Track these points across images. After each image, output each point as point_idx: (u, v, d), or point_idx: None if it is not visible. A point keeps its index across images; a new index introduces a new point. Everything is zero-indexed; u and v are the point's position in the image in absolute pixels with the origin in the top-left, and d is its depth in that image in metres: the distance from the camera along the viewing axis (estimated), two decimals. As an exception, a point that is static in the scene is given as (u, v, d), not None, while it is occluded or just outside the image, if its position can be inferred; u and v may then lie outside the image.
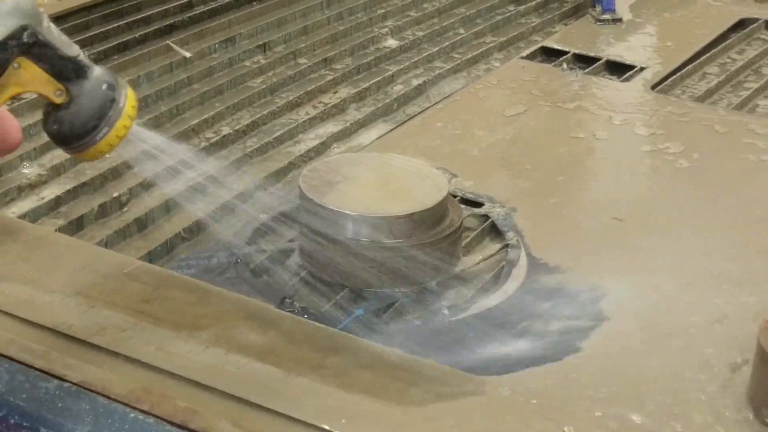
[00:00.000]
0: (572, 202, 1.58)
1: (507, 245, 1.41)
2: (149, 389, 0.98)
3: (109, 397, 0.89)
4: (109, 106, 0.98)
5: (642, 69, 2.13)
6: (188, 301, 1.16)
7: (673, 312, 1.30)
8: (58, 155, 1.65)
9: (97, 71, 0.99)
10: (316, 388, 1.01)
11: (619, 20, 2.39)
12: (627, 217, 1.52)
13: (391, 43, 2.20)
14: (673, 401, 1.13)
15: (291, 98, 1.91)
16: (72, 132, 0.98)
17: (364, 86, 1.98)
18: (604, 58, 2.17)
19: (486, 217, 1.49)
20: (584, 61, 2.18)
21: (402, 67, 2.08)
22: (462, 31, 2.32)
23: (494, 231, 1.47)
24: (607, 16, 2.39)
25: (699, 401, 1.13)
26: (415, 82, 2.03)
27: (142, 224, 1.43)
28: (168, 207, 1.48)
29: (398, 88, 2.01)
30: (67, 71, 0.97)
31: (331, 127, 1.83)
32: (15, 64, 0.92)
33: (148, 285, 1.18)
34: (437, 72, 2.09)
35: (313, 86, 1.96)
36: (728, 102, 2.03)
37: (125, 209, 1.48)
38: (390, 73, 2.05)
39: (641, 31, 2.36)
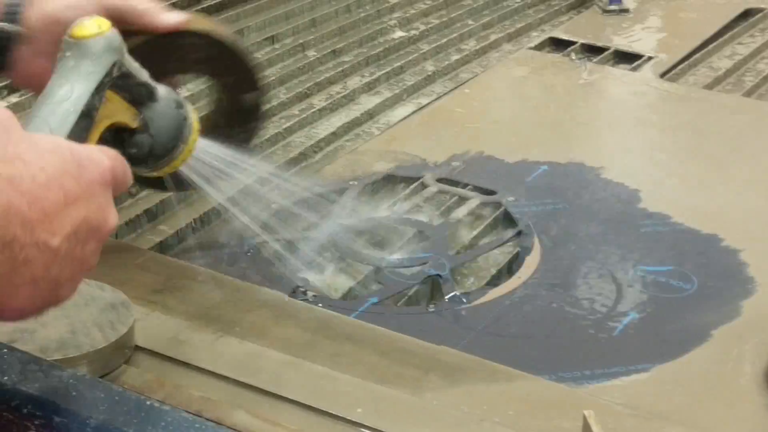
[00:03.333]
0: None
1: (520, 232, 1.40)
2: (162, 380, 0.98)
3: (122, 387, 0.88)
4: (183, 124, 1.02)
5: (650, 58, 2.12)
6: (200, 291, 1.16)
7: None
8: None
9: (162, 91, 1.01)
10: (331, 376, 1.01)
11: (626, 11, 2.38)
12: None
13: (400, 34, 2.19)
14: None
15: (300, 90, 1.90)
16: (152, 154, 1.01)
17: (373, 77, 1.97)
18: (613, 48, 2.17)
19: (499, 204, 1.48)
20: (592, 51, 2.17)
21: (411, 58, 2.07)
22: (470, 22, 2.30)
23: (507, 219, 1.46)
24: (614, 7, 2.38)
25: None
26: (424, 73, 2.02)
27: (152, 215, 1.42)
28: (178, 198, 1.47)
29: (408, 79, 2.00)
30: (141, 96, 0.98)
31: (342, 118, 1.82)
32: (104, 99, 0.92)
33: (159, 275, 1.17)
34: (446, 63, 2.08)
35: (323, 78, 1.95)
36: (739, 89, 2.03)
37: (135, 200, 1.47)
38: (400, 64, 2.04)
39: (648, 21, 2.35)
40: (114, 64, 0.92)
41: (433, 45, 2.15)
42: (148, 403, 0.80)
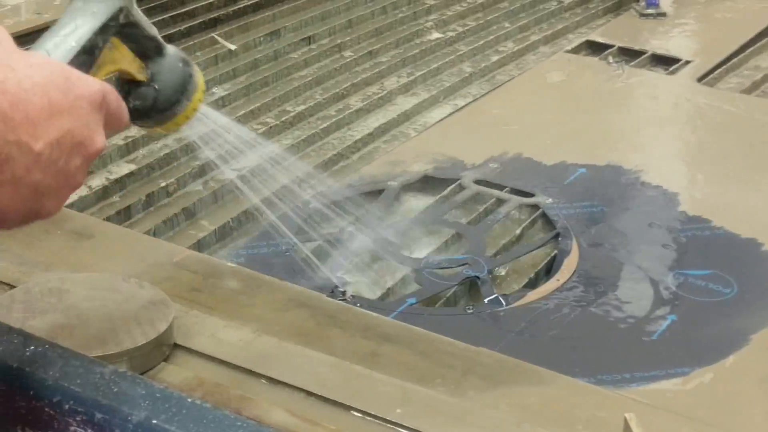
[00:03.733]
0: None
1: (558, 234, 1.39)
2: (202, 378, 0.98)
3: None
4: (189, 81, 1.02)
5: (687, 62, 2.11)
6: (239, 290, 1.16)
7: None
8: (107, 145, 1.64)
9: (170, 48, 1.02)
10: (370, 376, 1.00)
11: (663, 14, 2.37)
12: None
13: (436, 36, 2.19)
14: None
15: (337, 90, 1.90)
16: (155, 107, 1.01)
17: (410, 78, 1.97)
18: (650, 52, 2.15)
19: (536, 206, 1.47)
20: (629, 54, 2.16)
21: (448, 60, 2.07)
22: (507, 24, 2.30)
23: (545, 221, 1.45)
24: (651, 11, 2.37)
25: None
26: (461, 75, 2.02)
27: (189, 213, 1.43)
28: (216, 196, 1.48)
29: (445, 80, 2.00)
30: (149, 50, 0.99)
31: (379, 118, 1.82)
32: (109, 44, 0.94)
33: (198, 274, 1.17)
34: (483, 65, 2.07)
35: (359, 78, 1.95)
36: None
37: (173, 198, 1.48)
38: (436, 65, 2.03)
39: (685, 25, 2.34)
40: (120, 10, 0.94)
41: (470, 47, 2.15)
42: (189, 400, 0.80)
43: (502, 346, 1.14)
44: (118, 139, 1.68)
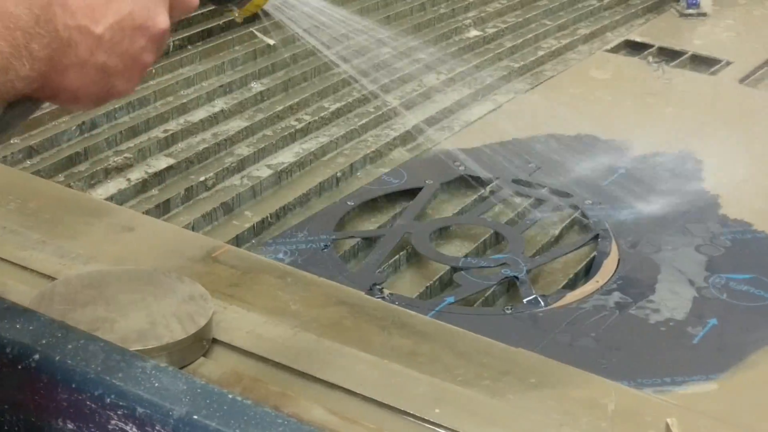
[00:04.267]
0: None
1: (597, 236, 1.38)
2: (241, 373, 0.98)
3: (201, 381, 0.88)
4: None
5: (729, 63, 2.09)
6: (277, 286, 1.16)
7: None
8: (145, 139, 1.65)
9: None
10: (409, 375, 1.00)
11: (704, 14, 2.35)
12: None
13: (475, 33, 2.18)
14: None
15: (375, 86, 1.89)
16: None
17: (449, 75, 1.96)
18: (690, 52, 2.14)
19: (575, 207, 1.46)
20: (669, 55, 2.14)
21: (487, 57, 2.06)
22: (546, 22, 2.29)
23: (584, 222, 1.44)
24: (691, 11, 2.35)
25: None
26: (500, 72, 2.01)
27: (228, 208, 1.43)
28: (254, 191, 1.48)
29: (484, 77, 1.99)
30: None
31: (418, 115, 1.82)
32: None
33: (236, 269, 1.17)
34: (522, 63, 2.06)
35: (398, 75, 1.94)
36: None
37: (212, 192, 1.48)
38: (475, 63, 2.03)
39: (726, 26, 2.31)
40: None
41: (509, 45, 2.14)
42: (230, 396, 0.80)
43: (541, 347, 1.13)
44: (158, 132, 1.68)
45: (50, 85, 0.79)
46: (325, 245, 1.34)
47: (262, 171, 1.55)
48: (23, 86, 0.77)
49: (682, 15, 2.35)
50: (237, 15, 1.05)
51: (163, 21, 0.84)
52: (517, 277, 1.26)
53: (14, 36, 0.75)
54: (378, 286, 1.23)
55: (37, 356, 0.83)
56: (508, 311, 1.23)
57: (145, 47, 0.83)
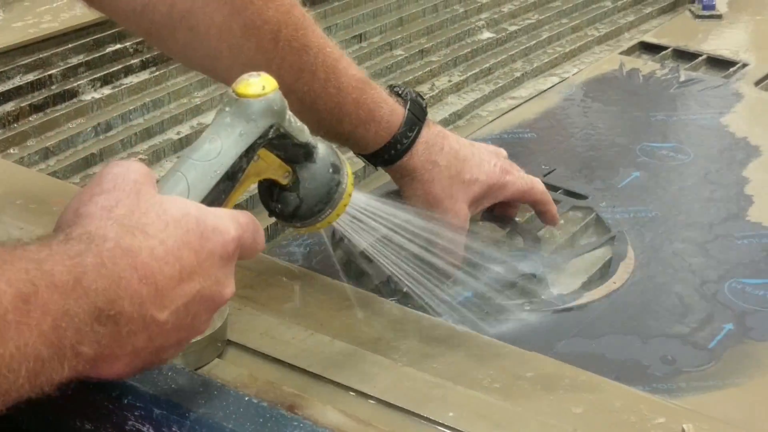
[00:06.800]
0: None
1: (612, 238, 1.38)
2: (255, 375, 0.98)
3: (216, 382, 0.88)
4: (335, 190, 0.99)
5: (744, 65, 2.08)
6: (292, 288, 1.16)
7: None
8: (159, 141, 1.66)
9: (321, 151, 0.98)
10: (422, 378, 1.00)
11: (719, 16, 2.34)
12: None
13: (488, 35, 2.18)
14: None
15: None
16: (296, 214, 0.99)
17: (462, 78, 1.96)
18: (705, 55, 2.13)
19: (590, 209, 1.46)
20: (684, 57, 2.14)
21: (500, 59, 2.06)
22: (561, 22, 2.28)
23: (599, 225, 1.44)
24: (707, 13, 2.34)
25: None
26: (513, 75, 2.01)
27: (242, 209, 1.42)
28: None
29: (497, 80, 1.99)
30: (298, 156, 0.95)
31: (431, 117, 1.81)
32: (255, 157, 0.90)
33: (250, 271, 1.18)
34: (535, 65, 2.06)
35: (410, 77, 1.94)
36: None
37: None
38: (488, 65, 2.02)
39: (742, 28, 2.31)
40: (271, 126, 0.89)
41: (522, 47, 2.13)
42: (246, 398, 0.80)
43: (556, 349, 1.13)
44: (172, 134, 1.69)
45: (87, 375, 0.72)
46: (339, 240, 1.33)
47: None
48: (51, 389, 0.69)
49: (698, 17, 2.35)
50: (303, 231, 1.04)
51: (230, 290, 0.79)
52: (534, 276, 1.26)
53: (62, 337, 0.67)
54: (392, 284, 1.22)
55: (54, 357, 0.83)
56: (526, 309, 1.22)
57: (206, 320, 0.79)
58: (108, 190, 0.75)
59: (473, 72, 1.98)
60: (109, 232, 0.72)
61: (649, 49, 2.18)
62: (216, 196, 0.85)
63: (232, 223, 0.80)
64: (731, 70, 2.06)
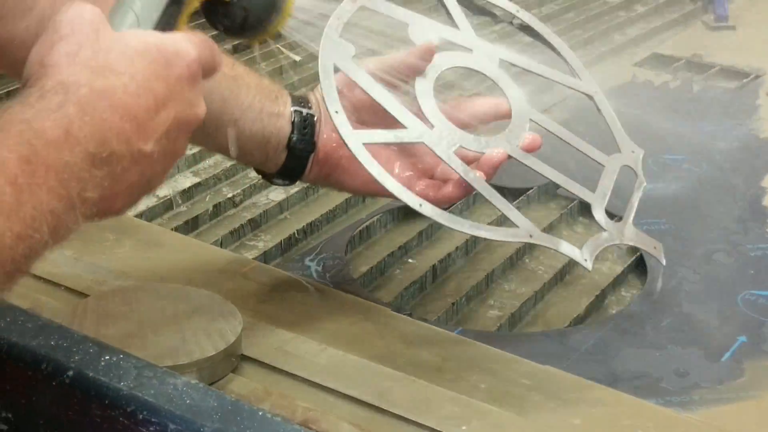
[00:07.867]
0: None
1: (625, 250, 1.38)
2: (269, 389, 0.99)
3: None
4: None
5: (758, 76, 2.08)
6: (305, 302, 1.17)
7: None
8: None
9: None
10: (435, 392, 1.00)
11: (732, 28, 2.34)
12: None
13: (498, 46, 2.18)
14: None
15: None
16: (244, 26, 0.98)
17: (475, 91, 1.96)
18: (718, 66, 2.13)
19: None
20: (697, 68, 2.14)
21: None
22: (574, 33, 2.28)
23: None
24: (720, 24, 2.35)
25: None
26: (527, 87, 2.00)
27: (255, 224, 1.43)
28: (281, 207, 1.48)
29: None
30: None
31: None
32: None
33: (264, 285, 1.18)
34: (548, 77, 2.06)
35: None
36: None
37: (239, 209, 1.49)
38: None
39: (755, 39, 2.30)
40: None
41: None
42: (260, 413, 0.81)
43: (569, 363, 1.13)
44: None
45: (93, 219, 0.75)
46: (349, 261, 1.34)
47: (289, 187, 1.56)
48: (67, 239, 0.73)
49: (711, 28, 2.35)
50: (255, 42, 1.05)
51: (202, 110, 0.81)
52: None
53: (68, 188, 0.70)
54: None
55: (71, 372, 0.84)
56: (536, 326, 1.22)
57: (185, 142, 0.81)
58: (66, 36, 0.75)
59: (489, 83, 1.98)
60: (81, 77, 0.73)
61: (662, 60, 2.18)
62: (166, 22, 0.85)
63: (190, 44, 0.81)
64: (745, 81, 2.06)
